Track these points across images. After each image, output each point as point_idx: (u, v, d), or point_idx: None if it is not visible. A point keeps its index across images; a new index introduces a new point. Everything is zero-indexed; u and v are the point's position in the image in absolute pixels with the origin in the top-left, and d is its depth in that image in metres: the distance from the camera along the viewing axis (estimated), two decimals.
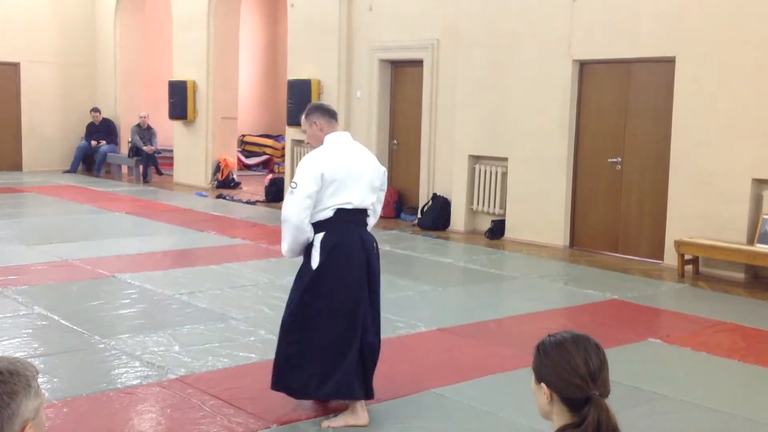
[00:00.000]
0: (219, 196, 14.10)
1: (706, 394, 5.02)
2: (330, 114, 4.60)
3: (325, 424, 4.39)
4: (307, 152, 14.08)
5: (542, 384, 2.18)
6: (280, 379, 4.49)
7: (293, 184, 4.38)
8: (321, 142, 4.55)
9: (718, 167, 8.48)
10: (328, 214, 4.39)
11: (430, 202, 11.44)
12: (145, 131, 16.35)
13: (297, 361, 4.42)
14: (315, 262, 4.39)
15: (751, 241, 8.21)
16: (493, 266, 8.79)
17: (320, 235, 4.40)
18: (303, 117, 4.65)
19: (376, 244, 4.60)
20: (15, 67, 16.92)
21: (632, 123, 9.47)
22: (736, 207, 8.35)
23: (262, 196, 13.88)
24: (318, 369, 4.37)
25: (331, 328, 4.37)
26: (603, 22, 9.42)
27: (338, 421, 4.39)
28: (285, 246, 4.49)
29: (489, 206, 10.84)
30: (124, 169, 17.14)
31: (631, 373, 5.27)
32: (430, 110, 11.53)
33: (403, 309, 6.76)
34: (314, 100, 12.81)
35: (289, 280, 6.99)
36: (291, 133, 13.66)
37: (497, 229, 10.61)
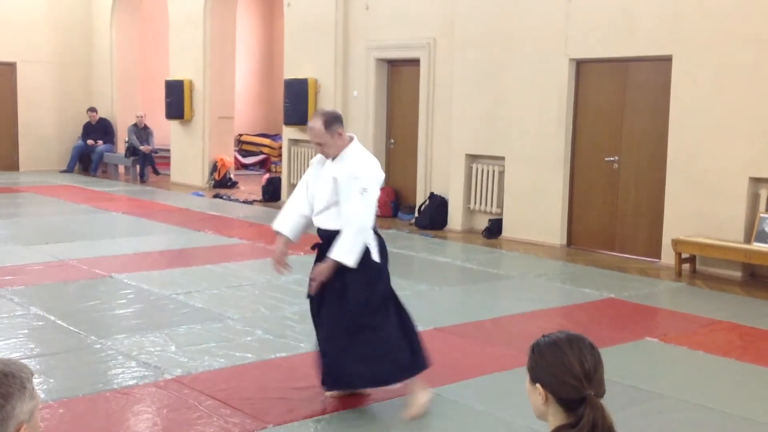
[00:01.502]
0: (216, 196, 14.10)
1: (702, 393, 5.02)
2: (342, 120, 4.65)
3: (407, 416, 4.47)
4: (309, 153, 13.82)
5: (537, 384, 2.18)
6: (340, 377, 4.56)
7: (364, 190, 4.37)
8: (339, 150, 4.51)
9: (715, 166, 8.48)
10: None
11: (427, 201, 11.44)
12: (141, 131, 16.33)
13: (371, 353, 4.48)
14: (375, 256, 4.49)
15: (748, 240, 8.22)
16: (490, 265, 8.79)
17: (370, 234, 4.54)
18: (321, 127, 4.42)
19: None
20: (11, 66, 16.92)
21: (629, 122, 9.47)
22: (733, 205, 8.36)
23: (259, 196, 13.87)
24: (391, 356, 4.49)
25: (391, 318, 4.58)
26: (599, 20, 9.42)
27: (415, 408, 4.49)
28: (355, 256, 4.37)
29: (486, 205, 10.84)
30: (121, 169, 17.14)
31: (628, 372, 5.27)
32: (427, 109, 11.53)
33: None
34: (311, 100, 12.81)
35: (286, 280, 6.99)
36: (288, 133, 13.65)
37: (494, 228, 10.62)
